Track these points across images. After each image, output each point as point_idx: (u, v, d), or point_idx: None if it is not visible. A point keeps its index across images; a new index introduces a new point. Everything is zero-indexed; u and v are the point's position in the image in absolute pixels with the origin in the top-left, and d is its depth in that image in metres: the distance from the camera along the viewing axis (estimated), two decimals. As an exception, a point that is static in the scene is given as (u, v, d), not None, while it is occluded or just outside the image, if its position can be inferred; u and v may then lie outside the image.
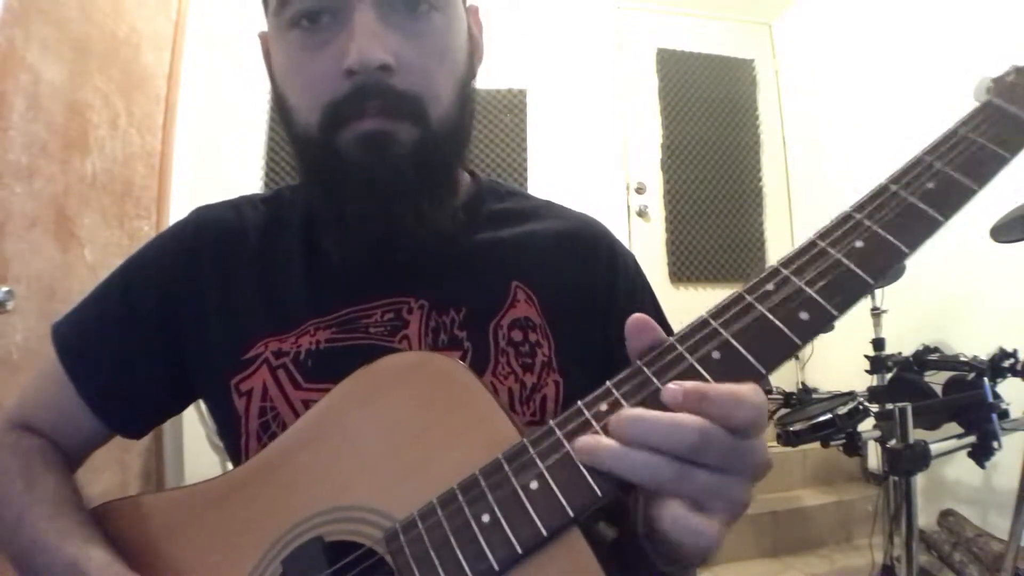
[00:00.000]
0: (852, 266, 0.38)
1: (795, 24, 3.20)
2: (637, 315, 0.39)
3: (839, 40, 2.85)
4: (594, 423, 0.37)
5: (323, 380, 0.51)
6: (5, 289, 1.24)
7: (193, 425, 1.94)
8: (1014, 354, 1.61)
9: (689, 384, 0.35)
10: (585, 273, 0.61)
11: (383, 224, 0.52)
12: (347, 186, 0.51)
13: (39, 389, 0.60)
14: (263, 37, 0.58)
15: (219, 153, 2.42)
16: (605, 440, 0.35)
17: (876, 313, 2.10)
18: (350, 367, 0.46)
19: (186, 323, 0.58)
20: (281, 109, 0.56)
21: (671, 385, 0.35)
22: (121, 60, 1.76)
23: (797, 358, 2.73)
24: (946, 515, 2.09)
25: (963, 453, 1.47)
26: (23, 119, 1.33)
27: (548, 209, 0.66)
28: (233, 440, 0.55)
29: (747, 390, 0.34)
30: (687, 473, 0.34)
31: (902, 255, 0.38)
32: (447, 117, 0.53)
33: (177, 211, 2.05)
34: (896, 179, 0.41)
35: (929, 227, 0.39)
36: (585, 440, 0.36)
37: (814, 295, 0.37)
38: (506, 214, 0.64)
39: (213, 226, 0.61)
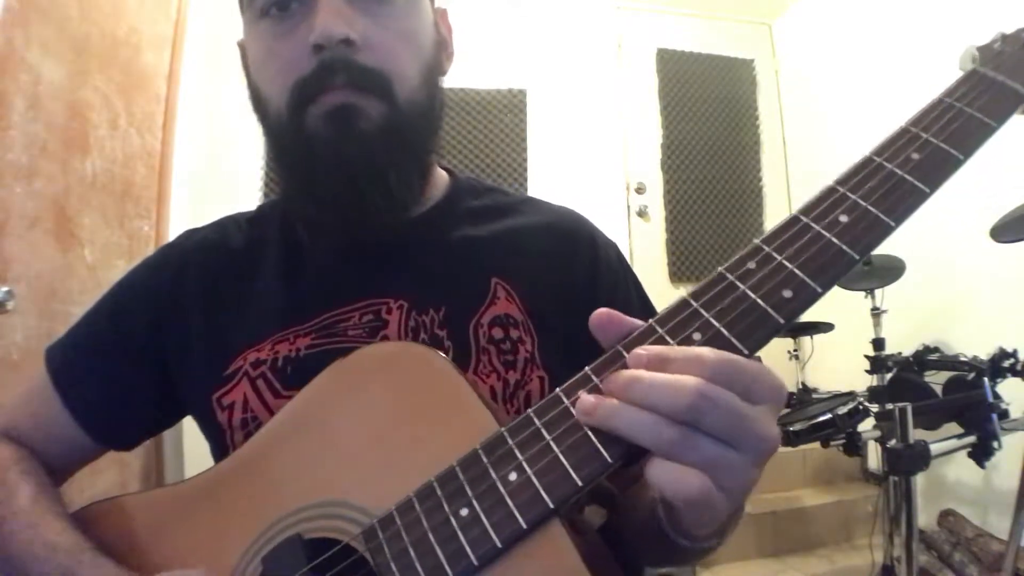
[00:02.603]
0: (837, 241, 0.37)
1: (795, 24, 3.20)
2: (599, 310, 0.38)
3: (839, 40, 2.85)
4: (573, 411, 0.36)
5: (302, 387, 0.51)
6: (5, 289, 1.24)
7: (193, 425, 1.94)
8: (1014, 354, 1.61)
9: (654, 348, 0.34)
10: (566, 266, 0.61)
11: (353, 204, 0.53)
12: (316, 167, 0.52)
13: (27, 402, 0.60)
14: (241, 44, 0.59)
15: (219, 153, 2.42)
16: (607, 399, 0.34)
17: (876, 313, 2.10)
18: None
19: (172, 345, 0.58)
20: (256, 103, 0.56)
21: (638, 350, 0.34)
22: (121, 60, 1.76)
23: (797, 358, 2.73)
24: (946, 515, 2.09)
25: (963, 453, 1.47)
26: (23, 119, 1.33)
27: (527, 204, 0.66)
28: (221, 454, 0.55)
29: (706, 350, 0.33)
30: (690, 438, 0.32)
31: (888, 229, 0.37)
32: (415, 99, 0.54)
33: (177, 211, 2.04)
34: (880, 151, 0.40)
35: (915, 199, 0.38)
36: (586, 399, 0.35)
37: (797, 272, 0.36)
38: (485, 210, 0.64)
39: (199, 248, 0.62)
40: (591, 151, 2.93)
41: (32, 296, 1.35)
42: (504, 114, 2.82)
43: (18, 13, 1.30)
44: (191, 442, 2.03)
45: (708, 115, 3.14)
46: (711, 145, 3.13)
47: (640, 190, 3.00)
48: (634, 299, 0.63)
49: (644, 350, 0.35)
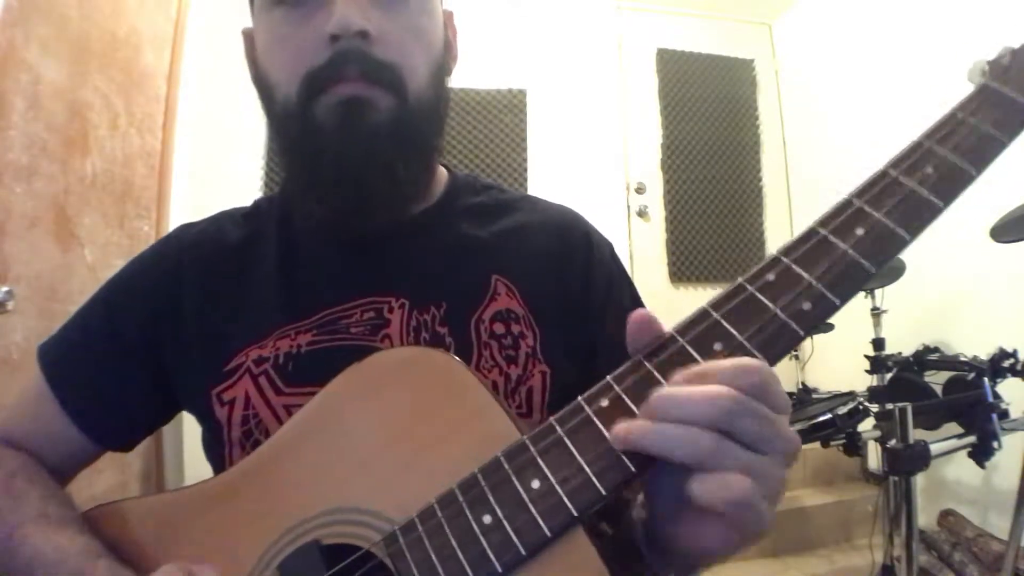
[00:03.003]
0: (854, 254, 0.37)
1: (795, 24, 3.20)
2: (640, 311, 0.38)
3: (839, 40, 2.85)
4: (595, 420, 0.36)
5: (305, 384, 0.51)
6: (5, 289, 1.24)
7: (193, 425, 1.94)
8: (1014, 354, 1.60)
9: (693, 369, 0.35)
10: (563, 264, 0.61)
11: (357, 196, 0.53)
12: (323, 157, 0.52)
13: (25, 406, 0.60)
14: (246, 33, 0.59)
15: (219, 153, 2.42)
16: (639, 421, 0.34)
17: (876, 313, 2.10)
18: (332, 369, 0.46)
19: (168, 341, 0.58)
20: (263, 90, 0.56)
21: (676, 378, 0.35)
22: (121, 60, 1.76)
23: (797, 358, 2.73)
24: (946, 515, 2.09)
25: (963, 453, 1.47)
26: (23, 119, 1.33)
27: (525, 202, 0.67)
28: (217, 450, 0.55)
29: (747, 359, 0.34)
30: (725, 446, 0.33)
31: (904, 242, 0.38)
32: (423, 95, 0.54)
33: (177, 211, 2.04)
34: (895, 164, 0.41)
35: (930, 213, 0.38)
36: (619, 427, 0.35)
37: (816, 284, 0.37)
38: (483, 208, 0.64)
39: (195, 244, 0.62)
40: (591, 151, 2.92)
41: (32, 296, 1.34)
42: (504, 114, 2.82)
43: (18, 13, 1.30)
44: (191, 442, 2.03)
45: (708, 115, 3.14)
46: (711, 145, 3.12)
47: (640, 190, 3.00)
48: (626, 298, 0.64)
49: (682, 375, 0.35)
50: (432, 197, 0.63)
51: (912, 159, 0.40)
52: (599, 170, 2.93)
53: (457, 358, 0.44)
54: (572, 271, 0.61)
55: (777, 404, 0.34)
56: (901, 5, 2.50)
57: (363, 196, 0.53)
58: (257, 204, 0.66)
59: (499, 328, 0.56)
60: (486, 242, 0.61)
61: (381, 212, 0.55)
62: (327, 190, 0.54)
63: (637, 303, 0.64)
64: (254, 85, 0.57)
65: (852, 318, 2.21)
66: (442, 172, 0.66)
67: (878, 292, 2.09)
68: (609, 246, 0.66)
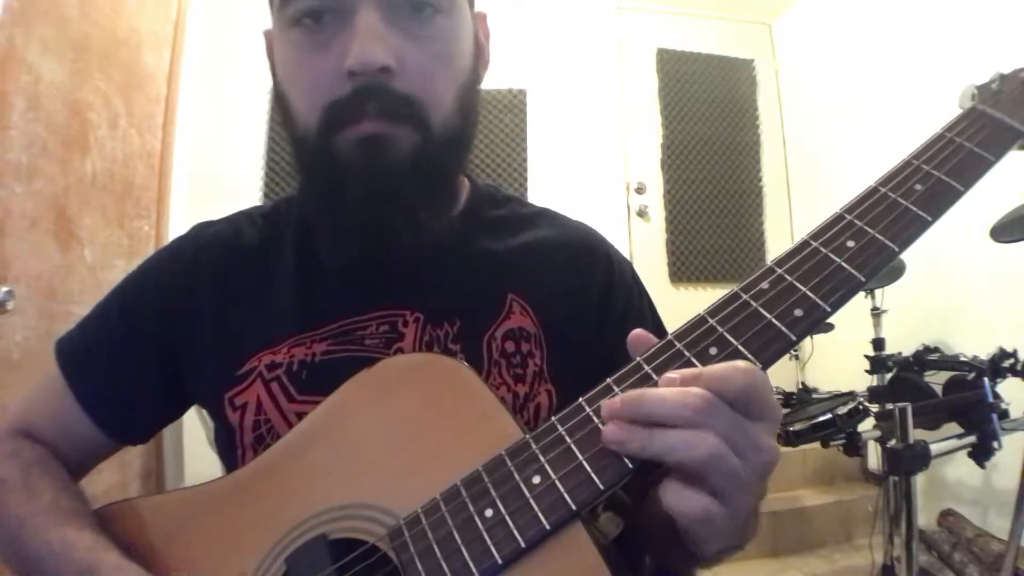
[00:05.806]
0: (844, 264, 0.39)
1: (795, 24, 3.20)
2: (637, 331, 0.40)
3: (839, 40, 2.85)
4: (595, 419, 0.37)
5: (318, 392, 0.51)
6: (5, 289, 1.23)
7: (193, 425, 1.94)
8: (1014, 354, 1.60)
9: (686, 371, 0.36)
10: (581, 283, 0.61)
11: (377, 232, 0.52)
12: (343, 191, 0.51)
13: (41, 400, 0.60)
14: (267, 34, 0.58)
15: (219, 153, 2.42)
16: (617, 427, 0.36)
17: (876, 313, 2.10)
18: (345, 379, 0.47)
19: (182, 340, 0.58)
20: (282, 108, 0.55)
21: (669, 373, 0.36)
22: (121, 60, 1.76)
23: (797, 358, 2.73)
24: (946, 515, 2.09)
25: (963, 453, 1.47)
26: (23, 119, 1.32)
27: (545, 217, 0.66)
28: (230, 452, 0.55)
29: (740, 363, 0.35)
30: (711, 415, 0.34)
31: (893, 254, 0.40)
32: (449, 123, 0.52)
33: (177, 211, 2.05)
34: (885, 182, 0.43)
35: (919, 227, 0.40)
36: (609, 430, 0.36)
37: (808, 292, 0.38)
38: (503, 222, 0.64)
39: (211, 244, 0.62)
40: (591, 151, 2.92)
41: (32, 296, 1.34)
42: (504, 114, 2.82)
43: (18, 13, 1.30)
44: (191, 442, 2.03)
45: (708, 115, 3.14)
46: (711, 145, 3.12)
47: (640, 190, 3.00)
48: (647, 318, 0.63)
49: (679, 374, 0.36)
50: (453, 209, 0.62)
51: (901, 176, 0.43)
52: (599, 170, 2.93)
53: (465, 363, 0.45)
54: (590, 290, 0.61)
55: (762, 409, 0.35)
56: (901, 5, 2.50)
57: (383, 244, 0.52)
58: (276, 205, 0.66)
59: (510, 346, 0.56)
60: (503, 258, 0.60)
61: (402, 252, 0.53)
62: (347, 234, 0.53)
63: (658, 324, 0.64)
64: (273, 95, 0.56)
65: (852, 318, 2.21)
66: (462, 181, 0.65)
67: (878, 292, 2.09)
68: (630, 266, 0.66)
